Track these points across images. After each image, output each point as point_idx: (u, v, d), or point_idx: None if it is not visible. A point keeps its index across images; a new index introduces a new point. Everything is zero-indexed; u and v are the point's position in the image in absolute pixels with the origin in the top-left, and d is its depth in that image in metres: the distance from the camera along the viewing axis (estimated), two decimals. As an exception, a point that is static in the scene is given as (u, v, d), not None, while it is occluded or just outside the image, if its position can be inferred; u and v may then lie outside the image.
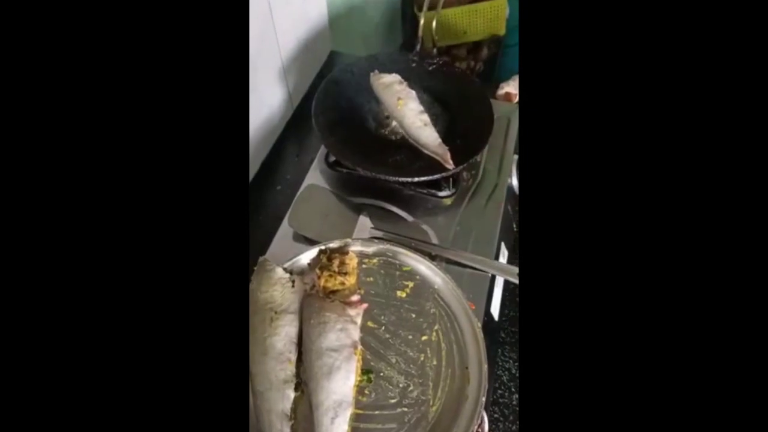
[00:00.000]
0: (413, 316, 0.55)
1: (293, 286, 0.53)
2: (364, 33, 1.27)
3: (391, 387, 0.50)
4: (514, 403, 0.61)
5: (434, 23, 0.84)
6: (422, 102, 0.72)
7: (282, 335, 0.50)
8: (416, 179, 0.65)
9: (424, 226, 0.67)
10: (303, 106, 0.86)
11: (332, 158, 0.71)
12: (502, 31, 1.45)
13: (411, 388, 0.50)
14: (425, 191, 0.69)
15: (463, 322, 0.54)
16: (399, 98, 0.71)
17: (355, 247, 0.58)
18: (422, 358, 0.52)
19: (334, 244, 0.58)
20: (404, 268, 0.58)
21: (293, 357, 0.49)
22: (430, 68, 0.80)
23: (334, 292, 0.54)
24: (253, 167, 0.77)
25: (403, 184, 0.68)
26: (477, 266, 0.62)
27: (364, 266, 0.58)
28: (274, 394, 0.47)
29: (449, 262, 0.62)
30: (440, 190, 0.69)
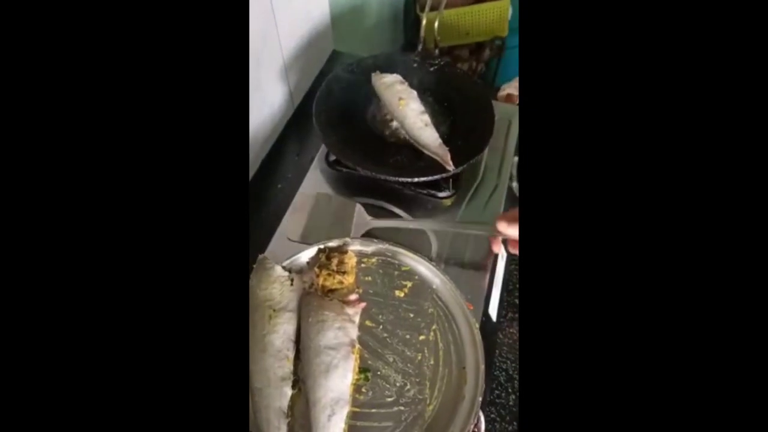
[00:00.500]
0: (411, 315, 0.55)
1: (292, 285, 0.54)
2: (366, 33, 1.27)
3: (388, 386, 0.50)
4: (511, 403, 0.62)
5: (436, 24, 0.85)
6: (423, 102, 0.73)
7: (280, 333, 0.50)
8: (416, 180, 0.65)
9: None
10: (304, 105, 0.87)
11: (332, 157, 0.71)
12: (504, 33, 1.45)
13: (408, 387, 0.50)
14: (425, 192, 0.69)
15: (461, 322, 0.54)
16: (400, 98, 0.71)
17: (354, 247, 0.59)
18: (419, 358, 0.52)
19: (333, 243, 0.58)
20: (403, 268, 0.58)
21: (291, 354, 0.50)
22: (432, 69, 0.80)
23: (332, 290, 0.55)
24: (254, 165, 0.77)
25: (403, 184, 0.68)
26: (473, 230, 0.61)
27: (362, 265, 0.58)
28: (272, 391, 0.47)
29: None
30: (440, 190, 0.69)
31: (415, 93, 0.73)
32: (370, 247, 0.59)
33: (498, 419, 0.60)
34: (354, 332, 0.51)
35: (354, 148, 0.69)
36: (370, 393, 0.50)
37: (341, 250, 0.57)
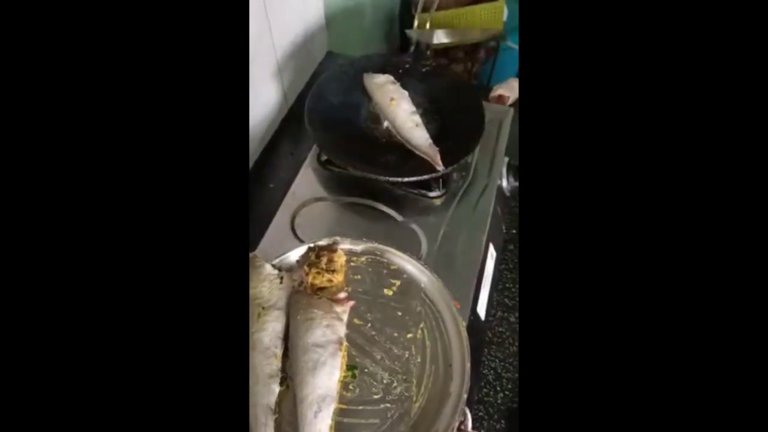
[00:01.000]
0: (399, 313, 0.55)
1: (281, 283, 0.54)
2: (361, 34, 1.27)
3: (375, 383, 0.51)
4: (499, 401, 0.62)
5: (428, 25, 0.85)
6: (415, 103, 0.73)
7: (269, 330, 0.51)
8: (406, 179, 0.66)
9: (414, 226, 0.67)
10: (298, 105, 0.87)
11: (324, 157, 0.72)
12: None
13: (395, 384, 0.51)
14: (415, 191, 0.70)
15: (448, 320, 0.54)
16: (391, 98, 0.72)
17: (344, 245, 0.59)
18: (407, 355, 0.52)
19: (322, 242, 0.59)
20: (392, 267, 0.59)
21: (279, 352, 0.50)
22: (424, 69, 0.81)
23: (321, 289, 0.55)
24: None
25: (393, 183, 0.69)
26: None
27: (352, 264, 0.59)
28: (260, 388, 0.48)
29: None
30: (430, 190, 0.69)
31: (406, 93, 0.73)
32: (360, 246, 0.60)
33: (486, 417, 0.60)
34: (342, 330, 0.51)
35: (345, 147, 0.69)
36: (357, 390, 0.50)
37: (331, 249, 0.57)
